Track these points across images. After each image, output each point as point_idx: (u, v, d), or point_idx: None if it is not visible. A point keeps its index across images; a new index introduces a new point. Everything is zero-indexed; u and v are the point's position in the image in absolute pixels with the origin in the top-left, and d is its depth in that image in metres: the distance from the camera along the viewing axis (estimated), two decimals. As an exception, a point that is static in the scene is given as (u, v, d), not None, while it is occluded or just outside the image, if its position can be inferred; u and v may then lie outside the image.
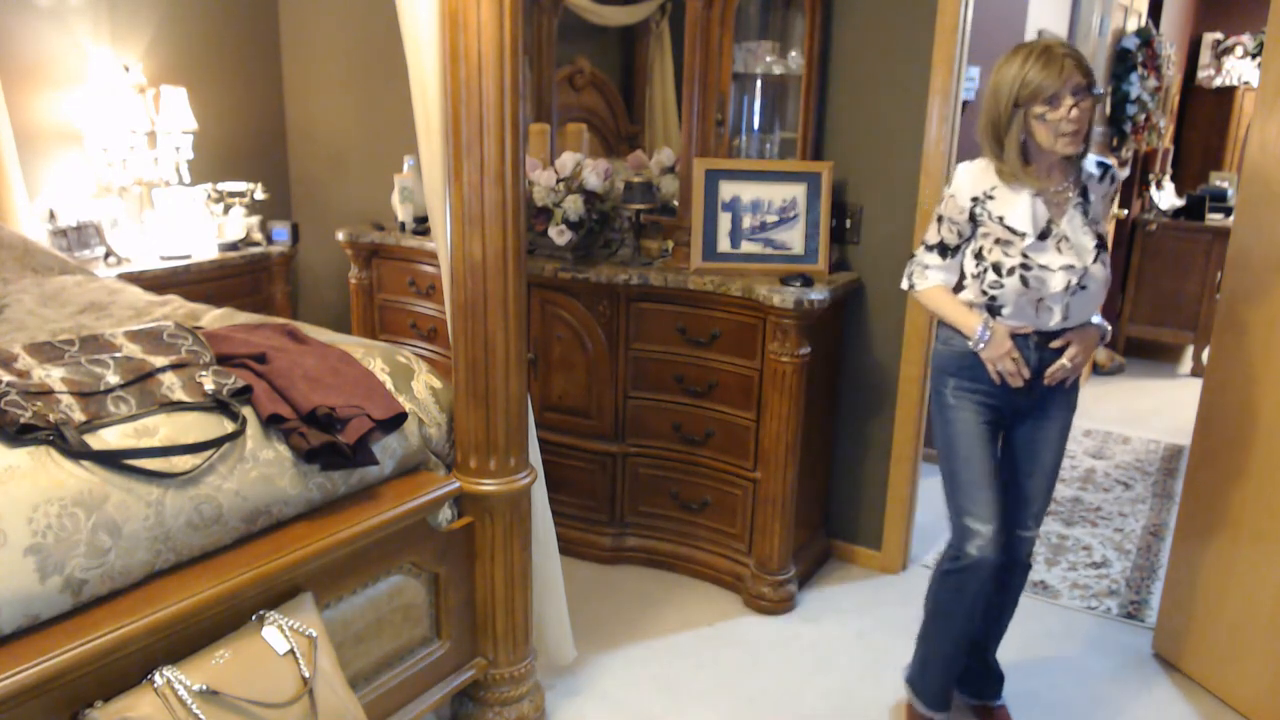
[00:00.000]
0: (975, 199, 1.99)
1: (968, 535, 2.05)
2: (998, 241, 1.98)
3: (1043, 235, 1.93)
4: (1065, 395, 2.09)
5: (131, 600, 1.45)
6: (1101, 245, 1.96)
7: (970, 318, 2.00)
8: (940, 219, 2.08)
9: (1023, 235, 1.93)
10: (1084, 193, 1.97)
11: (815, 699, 2.41)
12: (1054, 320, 1.97)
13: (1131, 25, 4.72)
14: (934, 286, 2.10)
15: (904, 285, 2.16)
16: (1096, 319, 2.05)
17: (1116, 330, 5.78)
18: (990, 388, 2.05)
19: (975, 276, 2.02)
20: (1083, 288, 1.94)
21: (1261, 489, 2.30)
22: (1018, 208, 1.94)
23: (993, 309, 2.00)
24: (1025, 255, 1.93)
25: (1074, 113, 1.83)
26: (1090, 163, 2.00)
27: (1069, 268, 1.92)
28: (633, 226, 3.00)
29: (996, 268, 1.98)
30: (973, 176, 2.00)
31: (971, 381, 2.06)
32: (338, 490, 1.80)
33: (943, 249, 2.08)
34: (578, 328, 2.97)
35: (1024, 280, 1.94)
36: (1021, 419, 2.10)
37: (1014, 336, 2.00)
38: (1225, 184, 5.86)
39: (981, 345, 1.98)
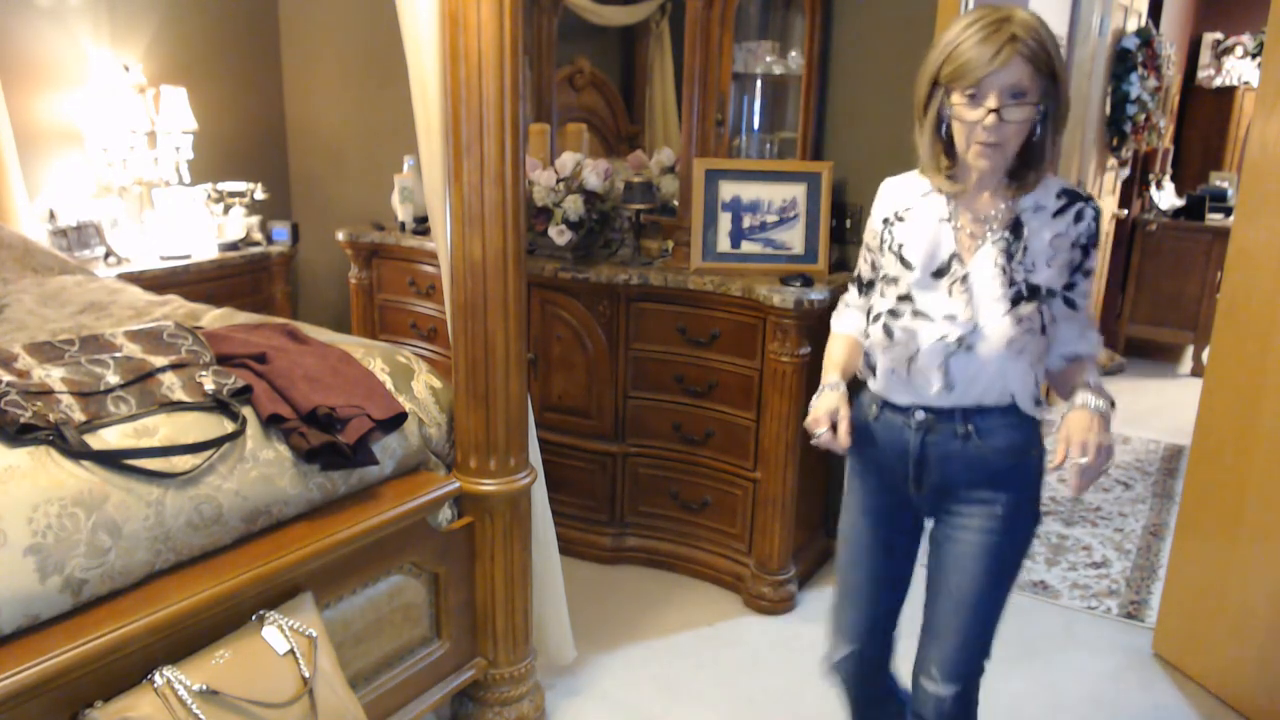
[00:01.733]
0: (887, 220, 1.58)
1: (832, 648, 1.73)
2: (885, 278, 1.56)
3: (937, 273, 1.49)
4: (985, 505, 1.53)
5: (131, 600, 1.45)
6: (1024, 299, 1.44)
7: (826, 372, 1.61)
8: (865, 249, 1.68)
9: (912, 269, 1.51)
10: (1016, 227, 1.47)
11: (815, 699, 2.41)
12: (932, 389, 1.48)
13: (1131, 25, 4.72)
14: (840, 332, 1.70)
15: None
16: (1085, 397, 1.44)
17: (1116, 330, 5.78)
18: (887, 464, 1.60)
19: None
20: (968, 349, 1.45)
21: (1261, 489, 2.30)
22: (919, 234, 1.52)
23: (871, 369, 1.59)
24: (905, 297, 1.51)
25: (990, 119, 1.36)
26: (1047, 191, 1.48)
27: (951, 319, 1.46)
28: (633, 226, 3.00)
29: (868, 312, 1.59)
30: (892, 192, 1.60)
31: (861, 459, 1.64)
32: (338, 490, 1.80)
33: (859, 283, 1.68)
34: (578, 328, 2.97)
35: (887, 330, 1.51)
36: (938, 520, 1.62)
37: (889, 408, 1.56)
38: (1225, 184, 5.86)
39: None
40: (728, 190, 2.82)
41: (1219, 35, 6.26)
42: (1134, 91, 4.62)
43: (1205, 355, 2.82)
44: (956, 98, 1.39)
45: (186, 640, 1.47)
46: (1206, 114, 6.35)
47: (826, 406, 1.52)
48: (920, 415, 1.52)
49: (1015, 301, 1.44)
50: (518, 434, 2.04)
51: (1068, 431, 1.41)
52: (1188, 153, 6.39)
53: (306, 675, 1.52)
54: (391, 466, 1.92)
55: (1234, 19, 6.18)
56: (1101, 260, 5.19)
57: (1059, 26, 4.01)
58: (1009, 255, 1.45)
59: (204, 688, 1.40)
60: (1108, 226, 5.16)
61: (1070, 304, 1.50)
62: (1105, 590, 3.01)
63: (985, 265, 1.46)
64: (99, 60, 3.62)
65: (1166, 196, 5.82)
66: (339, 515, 1.77)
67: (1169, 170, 6.08)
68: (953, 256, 1.48)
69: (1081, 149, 4.39)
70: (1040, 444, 1.57)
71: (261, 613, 1.56)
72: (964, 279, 1.47)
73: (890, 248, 1.55)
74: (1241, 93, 6.15)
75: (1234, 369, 2.36)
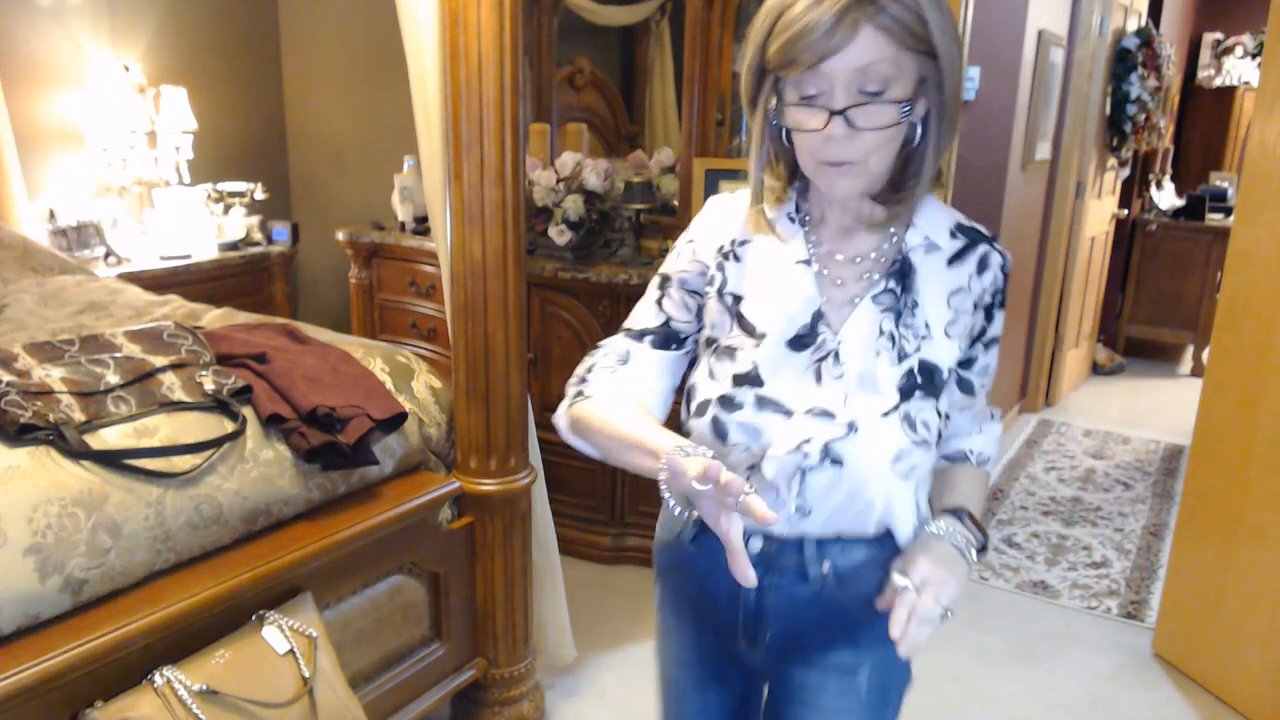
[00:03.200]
0: (724, 251, 1.08)
1: None
2: (713, 346, 1.07)
3: (796, 342, 1.02)
4: (843, 675, 1.10)
5: (131, 600, 1.45)
6: (919, 387, 1.00)
7: (642, 440, 0.98)
8: (665, 283, 1.12)
9: (760, 337, 1.02)
10: (902, 274, 1.02)
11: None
12: (784, 510, 1.02)
13: (1131, 25, 4.72)
14: (606, 398, 1.07)
15: (560, 421, 1.10)
16: (951, 528, 1.03)
17: (1116, 330, 5.78)
18: (707, 606, 1.14)
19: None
20: (835, 462, 0.98)
21: (1261, 489, 2.30)
22: (767, 283, 1.04)
23: None
24: (746, 378, 1.02)
25: (836, 128, 0.91)
26: (936, 225, 1.04)
27: (815, 415, 0.99)
28: (633, 226, 3.01)
29: (690, 396, 1.08)
30: (727, 213, 1.11)
31: (673, 595, 1.20)
32: (338, 490, 1.80)
33: (668, 332, 1.11)
34: (578, 328, 2.97)
35: (718, 428, 1.02)
36: (775, 690, 1.17)
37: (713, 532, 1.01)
38: (1225, 184, 5.86)
39: (663, 474, 0.89)
40: (727, 190, 2.82)
41: (1219, 35, 6.26)
42: (1134, 91, 4.62)
43: (1205, 355, 2.82)
44: (790, 94, 0.94)
45: (186, 640, 1.47)
46: (1206, 114, 6.35)
47: (694, 474, 0.83)
48: (757, 546, 1.05)
49: (907, 392, 0.99)
50: (518, 434, 2.04)
51: (920, 574, 0.95)
52: (1188, 153, 6.39)
53: (306, 675, 1.52)
54: (391, 466, 1.92)
55: (1234, 19, 6.18)
56: (1101, 260, 5.20)
57: (1059, 27, 4.01)
58: (896, 317, 1.01)
59: (204, 688, 1.40)
60: (1108, 226, 5.16)
61: (965, 387, 1.08)
62: (1105, 590, 3.01)
63: (863, 333, 1.01)
64: (99, 60, 3.62)
65: (1166, 196, 5.82)
66: (339, 515, 1.77)
67: (1169, 170, 6.08)
68: (817, 319, 1.02)
69: (1081, 149, 4.39)
70: None
71: (261, 613, 1.56)
72: (835, 355, 1.00)
73: (724, 299, 1.06)
74: (1241, 93, 6.15)
75: (1234, 369, 2.36)
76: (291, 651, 1.53)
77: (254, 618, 1.55)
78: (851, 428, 0.98)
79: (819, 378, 1.01)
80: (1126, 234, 5.63)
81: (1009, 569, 3.12)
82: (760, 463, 1.01)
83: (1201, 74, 6.32)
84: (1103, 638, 2.74)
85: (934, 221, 1.04)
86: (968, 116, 2.99)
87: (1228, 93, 6.23)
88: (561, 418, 1.10)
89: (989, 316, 1.06)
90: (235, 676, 1.44)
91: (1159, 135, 5.05)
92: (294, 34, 4.25)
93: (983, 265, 1.04)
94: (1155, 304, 5.68)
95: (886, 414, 0.99)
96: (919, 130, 0.96)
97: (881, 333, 1.01)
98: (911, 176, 0.98)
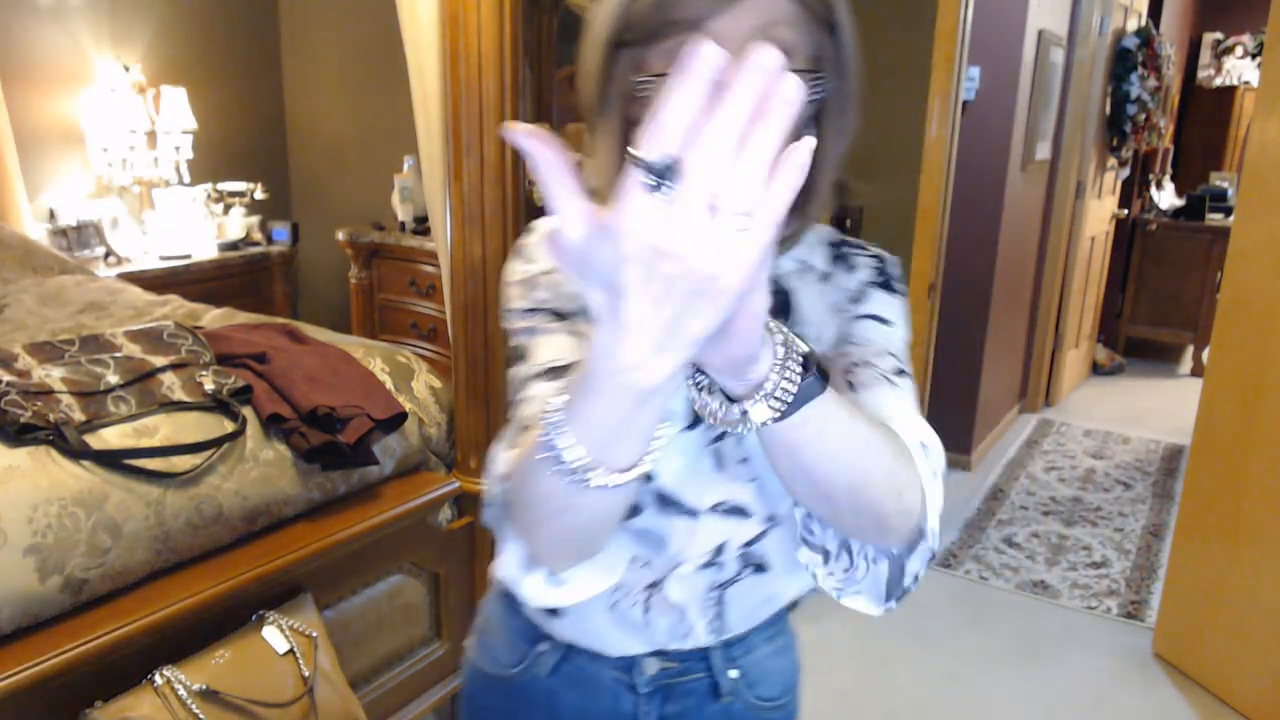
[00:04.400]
0: (560, 313, 0.81)
1: None
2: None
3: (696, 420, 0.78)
4: None
5: (131, 600, 1.45)
6: None
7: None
8: (532, 316, 0.80)
9: None
10: (784, 308, 0.81)
11: (815, 699, 2.41)
12: (691, 634, 0.84)
13: (1131, 25, 4.72)
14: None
15: (486, 519, 0.78)
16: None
17: (1116, 330, 5.78)
18: None
19: None
20: (758, 568, 0.81)
21: (1261, 489, 2.30)
22: None
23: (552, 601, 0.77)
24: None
25: None
26: (810, 243, 0.84)
27: (732, 513, 0.79)
28: (633, 226, 3.01)
29: None
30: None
31: None
32: (338, 490, 1.80)
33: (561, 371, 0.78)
34: (578, 328, 2.97)
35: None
36: None
37: (586, 657, 0.87)
38: (1225, 184, 5.86)
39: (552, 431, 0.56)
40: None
41: (1219, 35, 6.26)
42: (1134, 91, 4.62)
43: (1205, 355, 2.82)
44: (638, 78, 0.70)
45: (186, 640, 1.47)
46: (1206, 114, 6.35)
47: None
48: (652, 668, 0.86)
49: None
50: (518, 434, 2.04)
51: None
52: (1188, 153, 6.39)
53: (306, 675, 1.52)
54: (391, 466, 1.92)
55: (1234, 19, 6.19)
56: (1101, 260, 5.19)
57: (1059, 27, 4.01)
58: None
59: (204, 688, 1.40)
60: (1108, 226, 5.16)
61: (864, 382, 0.75)
62: (1105, 590, 3.01)
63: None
64: (99, 60, 3.62)
65: (1166, 196, 5.82)
66: (339, 515, 1.77)
67: (1169, 170, 6.08)
68: None
69: (1081, 149, 4.39)
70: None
71: (261, 613, 1.56)
72: (741, 438, 0.78)
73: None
74: (1241, 93, 6.16)
75: (1234, 369, 2.36)
76: (291, 651, 1.53)
77: (254, 618, 1.55)
78: (772, 521, 0.79)
79: (719, 462, 0.78)
80: (1126, 234, 5.63)
81: (1009, 569, 3.12)
82: (664, 579, 0.80)
83: (1201, 74, 6.32)
84: (1103, 638, 2.74)
85: (807, 241, 0.83)
86: (968, 116, 2.99)
87: (1228, 93, 6.24)
88: (487, 518, 0.77)
89: (862, 298, 0.80)
90: (235, 676, 1.44)
91: (1159, 135, 5.05)
92: (294, 34, 4.25)
93: (852, 266, 0.83)
94: (1155, 304, 5.68)
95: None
96: (810, 122, 0.73)
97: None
98: (808, 188, 0.66)
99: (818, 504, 0.67)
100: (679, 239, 0.44)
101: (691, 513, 0.79)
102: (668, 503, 0.78)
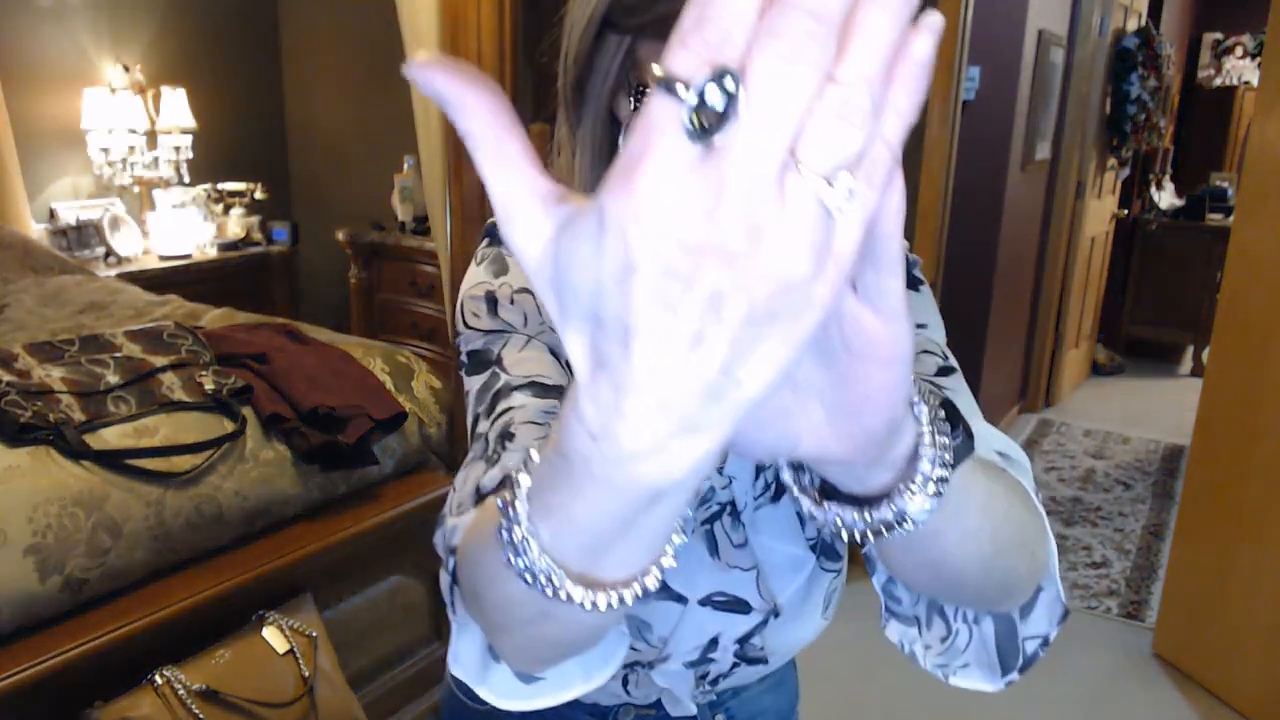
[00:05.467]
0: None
1: None
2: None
3: None
4: None
5: (131, 600, 1.45)
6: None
7: None
8: (497, 339, 0.66)
9: None
10: None
11: (815, 699, 2.41)
12: (677, 706, 0.78)
13: (1131, 25, 4.72)
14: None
15: (442, 561, 0.55)
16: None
17: (1116, 330, 5.78)
18: None
19: None
20: (756, 662, 0.74)
21: (1261, 489, 2.30)
22: None
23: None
24: None
25: None
26: None
27: (728, 608, 0.70)
28: (633, 226, 3.01)
29: None
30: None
31: None
32: (338, 490, 1.80)
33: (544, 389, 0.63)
34: (578, 328, 2.97)
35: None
36: None
37: (575, 705, 0.78)
38: (1225, 184, 5.86)
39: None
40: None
41: (1219, 35, 6.26)
42: (1134, 91, 4.62)
43: (1205, 355, 2.83)
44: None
45: (186, 640, 1.47)
46: (1206, 114, 6.35)
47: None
48: (630, 716, 0.79)
49: (816, 534, 0.71)
50: (518, 434, 2.04)
51: None
52: (1188, 153, 6.39)
53: (306, 675, 1.52)
54: (391, 466, 1.92)
55: (1234, 19, 6.19)
56: (1101, 260, 5.20)
57: (1059, 26, 4.01)
58: None
59: (204, 688, 1.40)
60: (1108, 226, 5.16)
61: None
62: (1105, 590, 3.01)
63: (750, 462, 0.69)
64: (99, 60, 3.62)
65: (1166, 196, 5.82)
66: (339, 515, 1.77)
67: (1169, 170, 6.08)
68: None
69: (1081, 149, 4.39)
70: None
71: (261, 613, 1.56)
72: (730, 509, 0.69)
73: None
74: (1241, 93, 6.15)
75: (1234, 369, 2.36)
76: (291, 651, 1.53)
77: (254, 618, 1.55)
78: (776, 613, 0.70)
79: (714, 546, 0.68)
80: (1127, 234, 5.63)
81: (1009, 569, 3.12)
82: (652, 671, 0.72)
83: (1201, 74, 6.32)
84: (1103, 638, 2.74)
85: None
86: (968, 116, 2.99)
87: (1228, 93, 6.24)
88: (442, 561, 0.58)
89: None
90: (235, 676, 1.44)
91: (1159, 135, 5.05)
92: (294, 34, 4.25)
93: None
94: (1155, 304, 5.68)
95: (807, 577, 0.69)
96: None
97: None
98: None
99: (942, 589, 0.51)
100: (735, 221, 0.25)
101: (680, 599, 0.68)
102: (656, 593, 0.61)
